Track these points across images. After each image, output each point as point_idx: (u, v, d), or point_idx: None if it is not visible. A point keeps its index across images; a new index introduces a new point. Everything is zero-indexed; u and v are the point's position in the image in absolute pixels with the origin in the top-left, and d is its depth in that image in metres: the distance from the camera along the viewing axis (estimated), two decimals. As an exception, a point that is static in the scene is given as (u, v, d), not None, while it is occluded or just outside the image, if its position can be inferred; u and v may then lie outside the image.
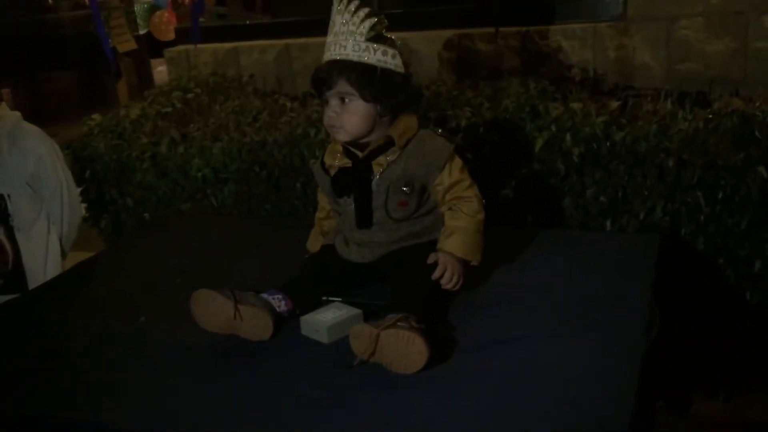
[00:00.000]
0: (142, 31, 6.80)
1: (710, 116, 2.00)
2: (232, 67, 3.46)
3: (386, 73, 1.51)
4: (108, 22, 6.59)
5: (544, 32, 2.89)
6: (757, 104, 2.02)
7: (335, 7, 1.53)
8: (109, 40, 6.46)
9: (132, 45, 5.54)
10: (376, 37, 1.50)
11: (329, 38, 1.54)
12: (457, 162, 1.58)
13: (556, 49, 2.86)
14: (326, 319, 1.46)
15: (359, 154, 1.58)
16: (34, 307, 1.78)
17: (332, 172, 1.61)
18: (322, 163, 1.65)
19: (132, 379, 1.40)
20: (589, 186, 2.02)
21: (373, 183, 1.56)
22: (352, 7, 1.50)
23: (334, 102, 1.54)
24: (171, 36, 5.76)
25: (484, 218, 1.57)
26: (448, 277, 1.51)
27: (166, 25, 6.48)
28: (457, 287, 1.53)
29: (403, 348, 1.29)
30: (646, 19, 2.73)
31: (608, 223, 2.03)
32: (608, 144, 2.00)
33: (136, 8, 6.94)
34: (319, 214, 1.79)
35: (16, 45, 6.14)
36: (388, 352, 1.31)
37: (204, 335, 1.49)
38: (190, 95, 3.01)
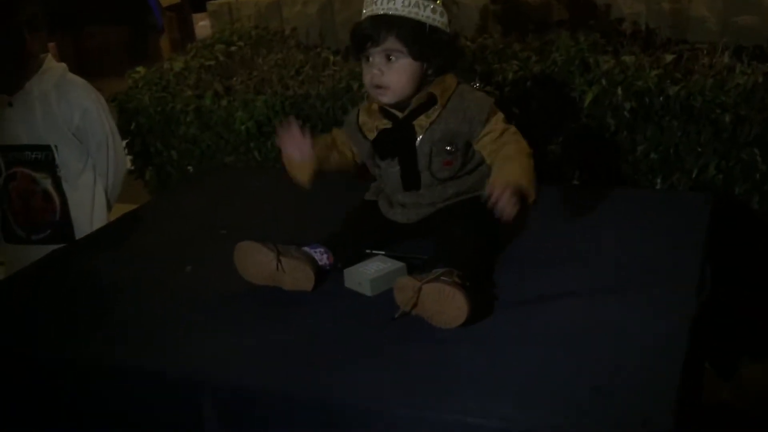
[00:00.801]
0: (183, -14, 6.79)
1: (770, 70, 1.92)
2: (275, 19, 3.42)
3: (435, 30, 1.46)
4: (151, -24, 6.59)
5: (596, -17, 2.79)
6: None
7: None
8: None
9: (175, -1, 5.56)
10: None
11: None
12: (500, 114, 1.54)
13: (607, 1, 2.76)
14: (370, 272, 1.46)
15: (399, 114, 1.54)
16: (81, 256, 1.81)
17: (369, 134, 1.57)
18: (358, 124, 1.61)
19: (176, 327, 1.42)
20: (640, 142, 1.96)
21: (416, 145, 1.53)
22: None
23: (378, 59, 1.48)
24: (213, -11, 5.75)
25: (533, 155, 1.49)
26: (503, 202, 1.34)
27: (208, -22, 6.46)
28: (513, 215, 1.35)
29: (443, 302, 1.28)
30: (703, -32, 2.61)
31: (659, 181, 1.97)
32: (661, 99, 1.93)
33: (178, -39, 6.92)
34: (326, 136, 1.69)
35: (60, -1, 6.19)
36: (429, 305, 1.30)
37: (248, 286, 1.50)
38: (232, 48, 3.00)
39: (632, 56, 2.08)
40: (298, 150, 1.56)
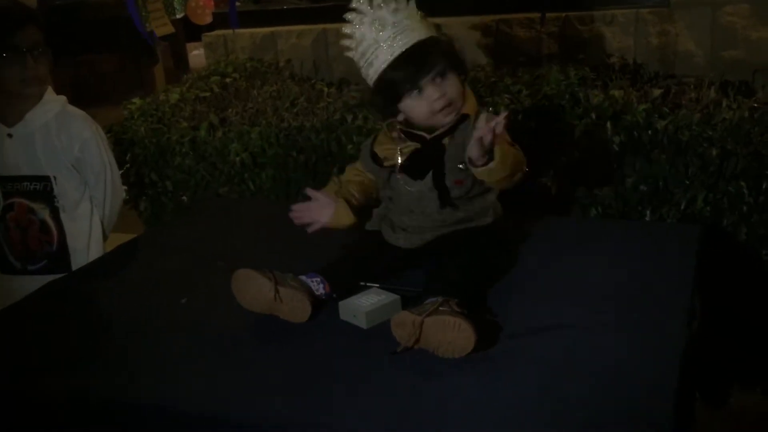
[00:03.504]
0: (178, 15, 6.86)
1: (755, 105, 1.96)
2: (270, 51, 3.47)
3: (448, 42, 1.57)
4: (145, 6, 6.66)
5: (584, 18, 2.85)
6: (805, 93, 1.98)
7: (367, 7, 1.48)
8: (147, 24, 6.52)
9: (169, 29, 5.58)
10: (423, 14, 1.52)
11: (386, 33, 1.47)
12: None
13: (596, 36, 2.82)
14: (365, 305, 1.47)
15: (426, 135, 1.57)
16: (77, 287, 1.82)
17: (388, 161, 1.60)
18: (372, 152, 1.64)
19: (171, 358, 1.43)
20: (630, 175, 2.00)
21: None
22: (393, 4, 1.48)
23: (431, 87, 1.50)
24: (207, 20, 5.80)
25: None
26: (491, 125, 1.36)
27: (202, 9, 6.52)
28: (500, 128, 1.37)
29: (449, 333, 1.29)
30: (690, 4, 2.67)
31: (648, 213, 2.01)
32: (650, 132, 1.97)
33: (172, -8, 7.00)
34: (343, 177, 1.72)
35: (58, 27, 6.22)
36: (434, 338, 1.31)
37: (244, 317, 1.51)
38: (228, 80, 3.03)
39: (621, 90, 2.12)
40: (325, 210, 1.61)
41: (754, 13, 2.59)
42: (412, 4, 1.49)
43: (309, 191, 1.65)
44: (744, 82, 2.47)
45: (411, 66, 1.50)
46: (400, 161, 1.59)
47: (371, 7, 1.49)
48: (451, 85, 1.52)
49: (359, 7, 1.50)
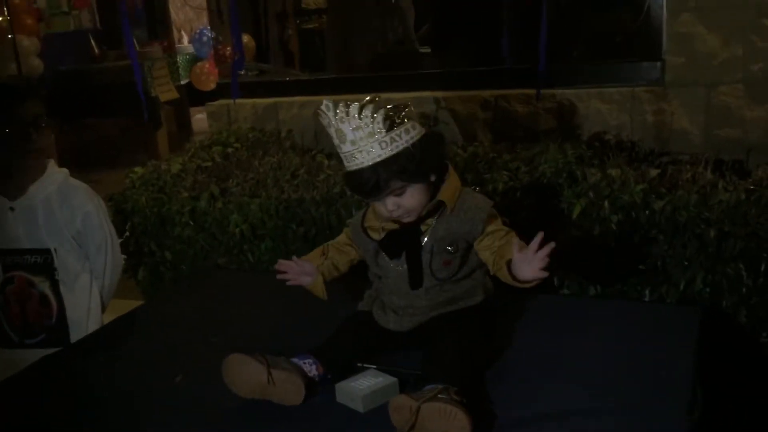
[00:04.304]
0: (183, 81, 6.99)
1: (752, 187, 1.98)
2: (271, 121, 3.53)
3: (417, 146, 1.49)
4: (151, 71, 6.80)
5: (582, 95, 2.90)
6: (800, 176, 2.01)
7: (332, 116, 1.47)
8: (151, 90, 6.65)
9: (174, 94, 5.70)
10: (392, 123, 1.46)
11: (345, 147, 1.48)
12: (499, 219, 1.60)
13: (593, 113, 2.87)
14: (362, 387, 1.46)
15: (398, 222, 1.59)
16: (73, 361, 1.80)
17: (375, 235, 1.62)
18: (363, 226, 1.66)
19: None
20: (628, 255, 2.00)
21: (422, 244, 1.57)
22: (354, 110, 1.45)
23: (389, 200, 1.52)
24: (211, 86, 5.93)
25: None
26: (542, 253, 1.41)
27: (206, 75, 6.67)
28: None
29: (445, 422, 1.28)
30: (685, 84, 2.73)
31: (647, 293, 2.00)
32: (647, 212, 1.99)
33: (178, 59, 7.15)
34: (331, 244, 1.77)
35: (62, 92, 6.34)
36: (430, 425, 1.29)
37: (237, 398, 1.49)
38: (229, 150, 3.07)
39: (618, 170, 2.15)
40: (304, 277, 1.70)
41: (747, 93, 2.64)
42: (378, 120, 1.44)
43: (295, 259, 1.71)
44: (738, 161, 2.50)
45: (363, 187, 1.51)
46: (379, 238, 1.61)
47: (334, 118, 1.47)
48: (410, 197, 1.52)
49: (326, 112, 1.48)
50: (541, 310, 1.80)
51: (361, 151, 1.46)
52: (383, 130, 1.45)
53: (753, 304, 1.90)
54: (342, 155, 1.51)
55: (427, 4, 4.24)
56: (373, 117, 1.44)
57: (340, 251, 1.74)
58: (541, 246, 1.42)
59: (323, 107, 1.49)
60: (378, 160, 1.46)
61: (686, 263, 1.94)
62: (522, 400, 1.44)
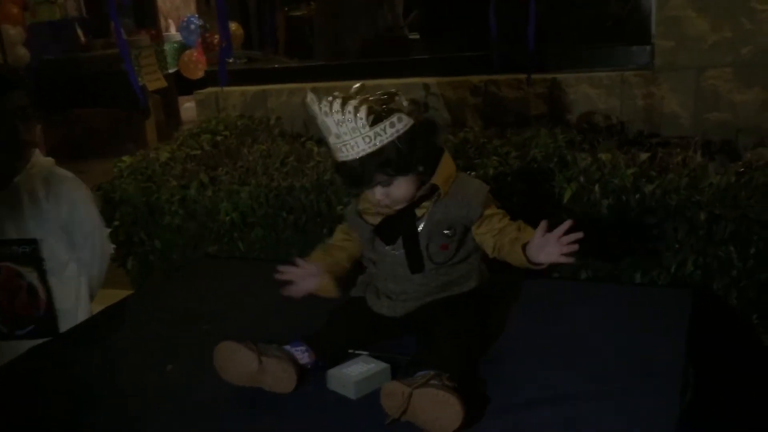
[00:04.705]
0: (171, 70, 6.94)
1: (741, 170, 1.99)
2: (260, 109, 3.50)
3: (404, 138, 1.48)
4: (138, 60, 6.73)
5: (571, 80, 2.89)
6: (790, 158, 2.01)
7: (319, 109, 1.47)
8: (139, 78, 6.59)
9: (162, 83, 5.65)
10: (376, 117, 1.46)
11: (331, 139, 1.49)
12: (495, 202, 1.61)
13: (583, 97, 2.87)
14: (354, 374, 1.45)
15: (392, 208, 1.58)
16: (63, 351, 1.79)
17: (370, 220, 1.62)
18: (358, 211, 1.65)
19: (154, 430, 1.40)
20: (619, 238, 2.00)
21: (419, 229, 1.57)
22: (337, 105, 1.44)
23: (378, 189, 1.53)
24: (200, 74, 5.87)
25: None
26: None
27: (195, 63, 6.61)
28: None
29: (437, 408, 1.27)
30: (674, 68, 2.73)
31: (638, 276, 2.00)
32: (637, 196, 1.99)
33: (166, 47, 7.10)
34: (331, 241, 1.77)
35: (49, 82, 6.28)
36: (421, 412, 1.29)
37: (228, 387, 1.49)
38: (218, 138, 3.05)
39: (608, 154, 2.15)
40: (310, 279, 1.64)
41: (736, 76, 2.64)
42: (361, 115, 1.44)
43: (297, 261, 1.66)
44: (727, 141, 2.51)
45: (350, 178, 1.52)
46: (375, 223, 1.61)
47: (318, 112, 1.48)
48: (398, 187, 1.53)
49: (310, 104, 1.48)
50: (533, 294, 1.80)
51: (345, 145, 1.47)
52: (367, 126, 1.45)
53: (743, 286, 1.91)
54: (330, 146, 1.52)
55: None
56: (356, 112, 1.44)
57: (340, 248, 1.72)
58: (567, 232, 1.43)
59: (308, 100, 1.48)
60: (362, 154, 1.46)
61: (677, 246, 1.94)
62: (515, 385, 1.44)
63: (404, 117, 1.49)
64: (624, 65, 2.86)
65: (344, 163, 1.50)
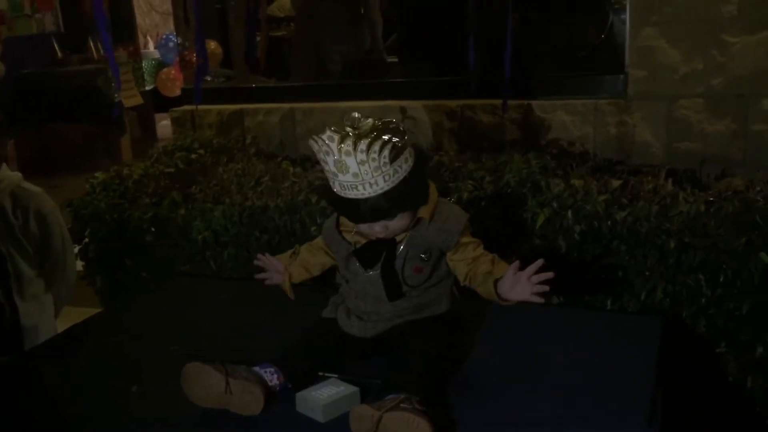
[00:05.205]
0: (148, 87, 6.92)
1: (711, 199, 2.01)
2: (237, 128, 3.49)
3: (413, 173, 1.49)
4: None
5: (546, 106, 2.92)
6: (758, 189, 2.04)
7: (335, 148, 1.42)
8: (116, 95, 6.52)
9: (138, 100, 5.61)
10: (396, 154, 1.44)
11: (344, 177, 1.44)
12: (470, 230, 1.62)
13: (557, 124, 2.90)
14: (322, 397, 1.44)
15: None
16: (26, 370, 1.75)
17: (348, 237, 1.61)
18: (338, 228, 1.65)
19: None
20: (590, 265, 2.01)
21: (397, 254, 1.57)
22: (363, 146, 1.40)
23: (380, 224, 1.52)
24: (177, 92, 5.86)
25: None
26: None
27: (172, 81, 6.60)
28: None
29: (407, 431, 1.26)
30: (647, 97, 2.77)
31: (608, 302, 2.02)
32: (609, 223, 2.00)
33: (144, 64, 7.08)
34: (305, 246, 1.79)
35: (24, 96, 6.22)
36: None
37: (194, 409, 1.46)
38: (193, 156, 3.02)
39: (581, 180, 2.16)
40: (277, 275, 1.76)
41: (707, 107, 2.68)
42: (384, 154, 1.41)
43: (267, 256, 1.75)
44: (691, 170, 2.54)
45: (360, 215, 1.50)
46: (352, 241, 1.61)
47: (338, 150, 1.42)
48: (398, 221, 1.53)
49: (328, 142, 1.43)
50: (503, 319, 1.80)
51: (363, 184, 1.44)
52: (388, 164, 1.43)
53: (711, 314, 1.92)
54: (337, 182, 1.47)
55: (396, 14, 4.25)
56: (380, 151, 1.42)
57: (313, 253, 1.75)
58: (538, 272, 1.44)
59: (325, 138, 1.43)
60: (380, 192, 1.45)
61: (647, 273, 1.96)
62: (484, 409, 1.43)
63: (412, 151, 1.50)
64: (598, 93, 2.89)
65: (354, 200, 1.47)
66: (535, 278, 1.45)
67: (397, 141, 1.44)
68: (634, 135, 2.79)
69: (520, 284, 1.46)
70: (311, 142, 1.47)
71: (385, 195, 1.46)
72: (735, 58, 2.61)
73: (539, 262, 1.45)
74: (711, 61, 2.64)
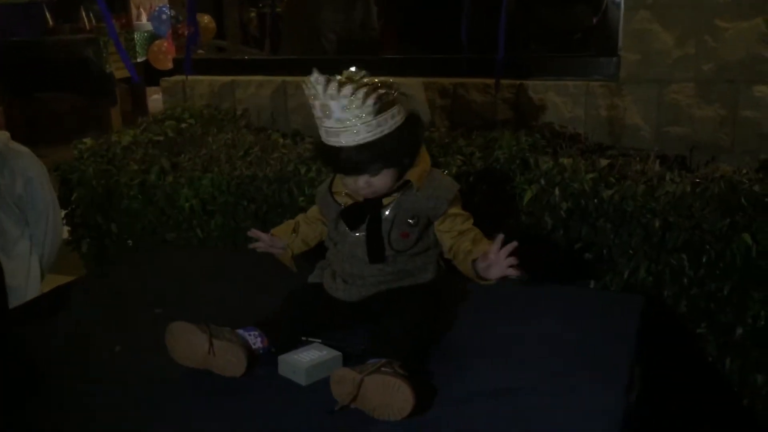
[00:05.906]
0: (140, 59, 6.85)
1: (697, 180, 2.02)
2: (228, 100, 3.47)
3: (399, 131, 1.49)
4: (107, 48, 6.62)
5: (538, 87, 2.92)
6: (744, 171, 2.05)
7: (321, 91, 1.42)
8: (107, 66, 6.48)
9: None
10: (382, 107, 1.45)
11: (328, 122, 1.46)
12: (460, 203, 1.63)
13: (549, 105, 2.90)
14: (305, 360, 1.45)
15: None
16: (11, 328, 1.75)
17: (340, 200, 1.62)
18: (330, 191, 1.66)
19: (100, 410, 1.38)
20: (576, 242, 2.02)
21: (383, 217, 1.58)
22: (347, 90, 1.41)
23: (363, 178, 1.53)
24: (168, 65, 5.80)
25: None
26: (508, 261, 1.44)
27: (164, 54, 6.53)
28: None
29: (388, 395, 1.28)
30: (638, 81, 2.77)
31: (592, 281, 2.03)
32: (596, 201, 2.01)
33: (135, 36, 7.01)
34: (302, 217, 1.81)
35: (13, 64, 6.15)
36: (371, 398, 1.29)
37: (176, 369, 1.47)
38: (183, 125, 3.01)
39: (570, 159, 2.17)
40: (274, 250, 1.77)
41: (698, 92, 2.69)
42: (369, 103, 1.42)
43: (267, 236, 1.74)
44: (681, 156, 2.55)
45: (341, 164, 1.51)
46: (343, 203, 1.62)
47: (323, 92, 1.43)
48: (381, 178, 1.53)
49: (314, 85, 1.43)
50: (487, 293, 1.80)
51: (346, 131, 1.45)
52: (372, 114, 1.44)
53: (693, 294, 1.94)
54: (323, 128, 1.49)
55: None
56: (365, 99, 1.42)
57: (310, 225, 1.77)
58: (503, 246, 1.44)
59: (312, 79, 1.43)
60: (362, 142, 1.46)
61: (631, 252, 1.97)
62: (465, 377, 1.45)
63: (402, 109, 1.51)
64: (590, 75, 2.89)
65: (337, 148, 1.48)
66: (504, 252, 1.45)
67: (383, 93, 1.45)
68: (624, 118, 2.79)
69: (497, 264, 1.47)
70: (303, 86, 1.48)
71: (367, 146, 1.46)
72: (727, 43, 2.61)
73: (512, 244, 1.45)
74: (703, 46, 2.64)
